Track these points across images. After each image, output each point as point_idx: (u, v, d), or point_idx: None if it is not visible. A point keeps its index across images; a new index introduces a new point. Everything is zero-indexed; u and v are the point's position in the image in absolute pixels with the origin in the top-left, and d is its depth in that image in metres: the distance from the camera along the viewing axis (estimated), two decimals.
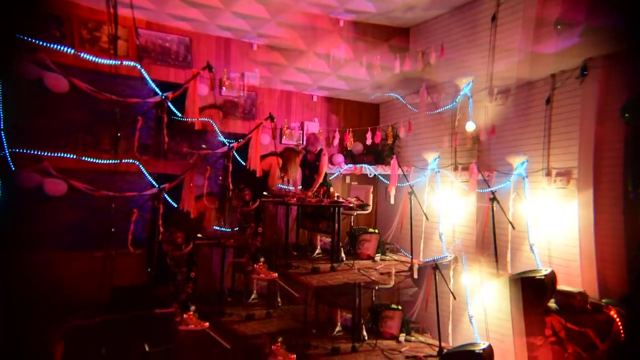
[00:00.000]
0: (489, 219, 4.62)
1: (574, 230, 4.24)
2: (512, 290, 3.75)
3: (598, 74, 4.21)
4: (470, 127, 5.24)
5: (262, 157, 4.35)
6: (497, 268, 4.16)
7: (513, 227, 4.34)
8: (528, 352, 3.69)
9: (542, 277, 3.63)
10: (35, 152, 4.06)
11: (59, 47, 4.21)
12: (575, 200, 4.29)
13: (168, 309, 3.66)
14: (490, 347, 3.64)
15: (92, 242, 4.24)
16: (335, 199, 4.72)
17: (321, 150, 4.96)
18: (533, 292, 3.59)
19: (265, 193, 4.37)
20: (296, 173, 4.52)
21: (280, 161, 4.31)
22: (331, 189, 4.94)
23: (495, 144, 5.29)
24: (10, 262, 3.73)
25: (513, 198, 4.86)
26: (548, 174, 4.60)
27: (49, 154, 4.14)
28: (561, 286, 3.86)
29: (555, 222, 4.47)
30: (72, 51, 4.27)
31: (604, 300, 3.80)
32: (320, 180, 4.85)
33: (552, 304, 3.65)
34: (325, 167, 4.87)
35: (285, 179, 4.50)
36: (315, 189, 4.74)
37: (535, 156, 4.78)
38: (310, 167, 4.96)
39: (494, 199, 4.28)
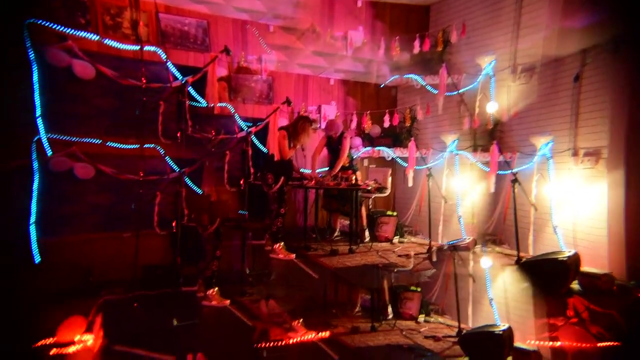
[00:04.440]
0: (510, 201, 4.53)
1: (602, 211, 4.12)
2: (533, 272, 3.70)
3: (632, 49, 4.00)
4: (492, 107, 5.11)
5: None
6: (518, 250, 4.10)
7: (535, 209, 4.26)
8: (548, 332, 3.66)
9: (565, 259, 3.56)
10: (65, 138, 4.22)
11: (85, 34, 4.31)
12: (603, 180, 4.15)
13: (193, 287, 3.81)
14: (510, 329, 3.63)
15: (121, 223, 4.42)
16: (353, 182, 4.73)
17: (343, 133, 4.93)
18: (555, 273, 3.53)
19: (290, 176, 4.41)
20: (307, 140, 4.49)
21: (286, 133, 4.30)
22: (357, 173, 4.94)
23: (517, 124, 5.15)
24: (49, 242, 3.96)
25: (536, 179, 4.74)
26: (575, 154, 4.46)
27: (77, 139, 4.29)
28: (586, 268, 3.78)
29: (582, 203, 4.35)
30: (97, 38, 4.37)
31: (631, 282, 3.71)
32: (341, 163, 4.84)
33: (575, 285, 3.59)
34: (346, 150, 4.84)
35: (297, 146, 4.47)
36: (335, 172, 4.75)
37: (561, 136, 4.63)
38: (334, 150, 4.96)
39: (515, 180, 4.19)
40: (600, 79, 4.25)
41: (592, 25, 4.07)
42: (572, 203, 4.45)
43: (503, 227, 5.03)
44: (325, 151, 5.13)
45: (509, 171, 4.50)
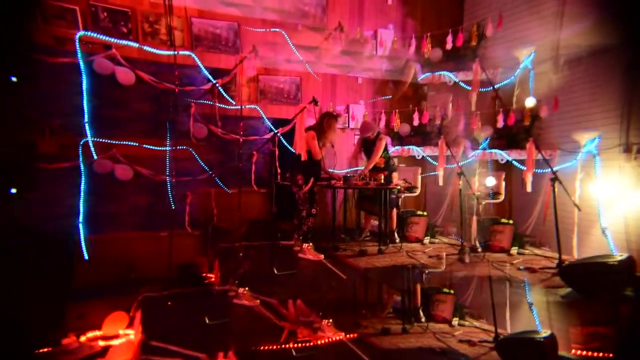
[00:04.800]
0: (550, 201, 4.28)
1: None
2: (577, 277, 3.45)
3: None
4: (530, 102, 4.85)
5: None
6: (560, 252, 3.86)
7: (579, 209, 3.98)
8: (593, 342, 3.41)
9: (615, 263, 3.29)
10: (106, 141, 4.47)
11: (127, 42, 4.55)
12: None
13: (224, 286, 3.91)
14: (553, 336, 3.41)
15: (157, 223, 4.63)
16: (382, 182, 4.66)
17: (379, 134, 4.89)
18: (603, 278, 3.27)
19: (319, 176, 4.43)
20: (335, 136, 4.48)
21: (314, 133, 4.30)
22: (394, 174, 4.88)
23: (558, 120, 4.86)
24: (93, 239, 4.22)
25: (581, 178, 4.45)
26: (627, 149, 4.12)
27: (117, 142, 4.53)
28: None
29: (636, 203, 4.03)
30: (138, 45, 4.59)
31: None
32: (372, 163, 4.79)
33: (630, 292, 3.30)
34: (379, 151, 4.77)
35: (327, 144, 4.48)
36: (365, 172, 4.71)
37: (609, 131, 4.30)
38: (369, 151, 4.93)
39: (555, 178, 3.95)
40: None
41: None
42: (624, 203, 4.13)
43: (543, 228, 4.76)
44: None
45: (548, 169, 4.25)
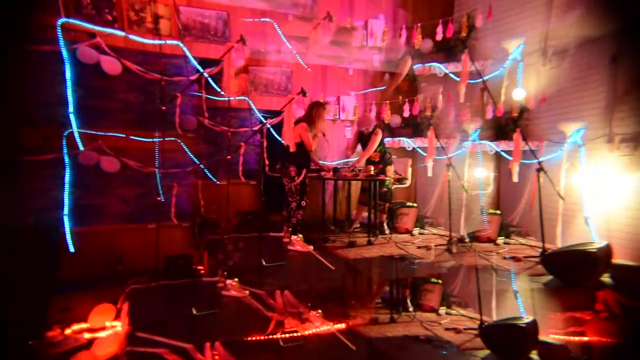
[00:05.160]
0: (537, 191, 4.34)
1: None
2: (558, 264, 3.53)
3: None
4: (519, 94, 4.88)
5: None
6: (543, 241, 3.93)
7: (562, 199, 4.05)
8: (574, 326, 3.51)
9: (594, 250, 3.37)
10: (92, 132, 4.39)
11: (112, 30, 4.43)
12: None
13: (212, 278, 3.91)
14: (534, 322, 3.50)
15: (145, 215, 4.59)
16: (371, 173, 4.68)
17: (375, 128, 4.93)
18: (582, 265, 3.35)
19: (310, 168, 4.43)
20: (324, 125, 4.50)
21: (306, 125, 4.29)
22: (388, 167, 4.92)
23: (545, 111, 4.90)
24: (79, 232, 4.17)
25: (566, 168, 4.52)
26: (610, 140, 4.18)
27: (103, 133, 4.45)
28: (620, 260, 3.58)
29: (618, 193, 4.10)
30: (124, 34, 4.48)
31: None
32: (365, 156, 4.86)
33: (606, 278, 3.40)
34: (374, 144, 4.85)
35: (318, 134, 4.48)
36: (357, 164, 4.74)
37: (594, 122, 4.36)
38: (365, 144, 4.99)
39: (540, 169, 4.00)
40: None
41: (631, 1, 3.77)
42: (607, 192, 4.21)
43: (529, 218, 4.84)
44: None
45: (535, 160, 4.31)
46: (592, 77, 4.41)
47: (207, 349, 2.69)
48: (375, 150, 4.95)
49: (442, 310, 4.66)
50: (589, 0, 4.26)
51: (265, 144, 4.12)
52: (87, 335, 3.47)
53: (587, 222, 4.33)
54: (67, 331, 3.56)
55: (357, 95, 6.16)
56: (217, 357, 2.57)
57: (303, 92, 4.20)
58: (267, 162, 4.19)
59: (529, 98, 4.93)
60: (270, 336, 2.89)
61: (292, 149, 4.15)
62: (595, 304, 3.42)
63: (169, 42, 4.64)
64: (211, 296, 3.47)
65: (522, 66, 5.01)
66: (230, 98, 5.04)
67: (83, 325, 3.61)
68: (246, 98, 5.22)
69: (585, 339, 3.46)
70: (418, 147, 5.99)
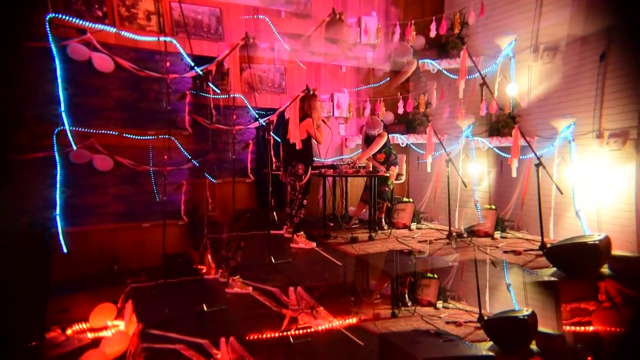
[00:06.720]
0: (529, 186, 4.46)
1: (629, 193, 4.02)
2: (561, 257, 3.64)
3: None
4: (512, 90, 4.99)
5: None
6: (542, 235, 4.04)
7: (561, 192, 4.16)
8: (579, 317, 3.63)
9: (597, 242, 3.49)
10: (84, 130, 4.25)
11: (103, 27, 4.30)
12: (632, 161, 4.04)
13: (213, 275, 3.86)
14: (534, 314, 3.60)
15: (140, 213, 4.49)
16: (370, 169, 4.72)
17: (381, 133, 5.01)
18: (586, 257, 3.47)
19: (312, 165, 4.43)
20: (320, 114, 4.51)
21: (310, 120, 4.29)
22: (391, 167, 4.99)
23: (537, 107, 5.04)
24: (73, 232, 4.04)
25: (557, 163, 4.66)
26: (600, 135, 4.34)
27: (96, 131, 4.32)
28: (615, 251, 3.72)
29: (607, 186, 4.26)
30: (115, 30, 4.35)
31: None
32: (366, 155, 4.94)
33: (605, 269, 3.53)
34: (376, 145, 4.95)
35: (320, 124, 4.50)
36: (358, 161, 4.79)
37: (584, 118, 4.51)
38: (370, 145, 5.08)
39: (539, 164, 4.11)
40: (628, 57, 4.11)
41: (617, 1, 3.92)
42: (597, 186, 4.37)
43: (520, 212, 4.97)
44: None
45: (530, 155, 4.42)
46: (581, 74, 4.56)
47: (223, 344, 2.65)
48: (380, 152, 5.03)
49: (439, 304, 4.73)
50: (575, 1, 4.40)
51: (272, 141, 4.08)
52: (90, 335, 3.38)
53: (578, 215, 4.48)
54: (68, 331, 3.46)
55: (350, 92, 6.19)
56: (232, 352, 2.54)
57: (308, 90, 4.17)
58: (274, 160, 4.15)
59: (521, 94, 5.05)
60: (282, 333, 2.88)
61: (298, 146, 4.13)
62: (598, 294, 3.54)
63: (162, 38, 4.54)
64: (214, 293, 3.43)
65: (514, 62, 5.13)
66: (225, 96, 4.97)
67: (84, 326, 3.52)
68: (241, 96, 5.16)
69: (591, 328, 3.57)
70: (412, 144, 6.06)
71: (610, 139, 4.24)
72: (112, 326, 3.51)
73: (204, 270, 3.93)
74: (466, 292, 4.95)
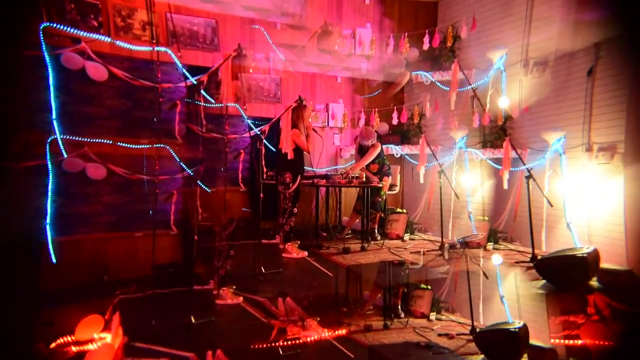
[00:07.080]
0: (522, 198, 4.49)
1: (619, 206, 4.05)
2: (551, 269, 3.64)
3: None
4: (503, 102, 5.06)
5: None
6: (533, 247, 4.06)
7: (551, 205, 4.19)
8: (568, 330, 3.63)
9: (585, 255, 3.51)
10: (76, 139, 4.25)
11: (98, 36, 4.33)
12: (620, 175, 4.09)
13: (205, 286, 3.83)
14: (525, 326, 3.60)
15: (131, 222, 4.45)
16: (364, 179, 4.73)
17: (374, 143, 5.04)
18: (575, 270, 3.48)
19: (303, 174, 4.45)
20: (309, 122, 4.56)
21: (297, 130, 4.35)
22: (385, 178, 5.02)
23: (528, 120, 5.10)
24: (63, 241, 4.00)
25: (548, 175, 4.70)
26: (589, 149, 4.39)
27: (89, 140, 4.31)
28: (604, 264, 3.74)
29: (597, 199, 4.29)
30: (110, 40, 4.38)
31: None
32: (359, 165, 4.96)
33: (594, 282, 3.54)
34: (370, 156, 4.98)
35: (310, 134, 4.54)
36: (351, 172, 4.82)
37: (573, 131, 4.56)
38: (363, 155, 5.10)
39: (530, 176, 4.14)
40: (615, 73, 4.19)
41: (606, 17, 4.00)
42: (587, 199, 4.41)
43: (513, 224, 4.99)
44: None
45: (523, 167, 4.46)
46: (570, 89, 4.63)
47: (209, 358, 2.62)
48: (374, 162, 5.05)
49: (433, 316, 4.72)
50: (567, 16, 4.49)
51: (263, 151, 4.10)
52: (74, 349, 3.32)
53: (569, 227, 4.50)
54: (53, 345, 3.40)
55: (345, 103, 6.24)
56: None
57: (300, 100, 4.21)
58: (265, 169, 4.17)
59: (512, 107, 5.12)
60: (270, 344, 2.85)
61: (290, 156, 4.16)
62: (587, 307, 3.54)
63: (157, 48, 4.57)
64: (205, 304, 3.39)
65: (505, 76, 5.20)
66: (220, 105, 5.00)
67: (69, 339, 3.45)
68: (235, 105, 5.19)
69: (579, 342, 3.56)
70: (406, 154, 6.10)
71: (599, 152, 4.29)
72: (99, 339, 3.46)
73: (193, 281, 3.89)
74: (460, 304, 4.94)
